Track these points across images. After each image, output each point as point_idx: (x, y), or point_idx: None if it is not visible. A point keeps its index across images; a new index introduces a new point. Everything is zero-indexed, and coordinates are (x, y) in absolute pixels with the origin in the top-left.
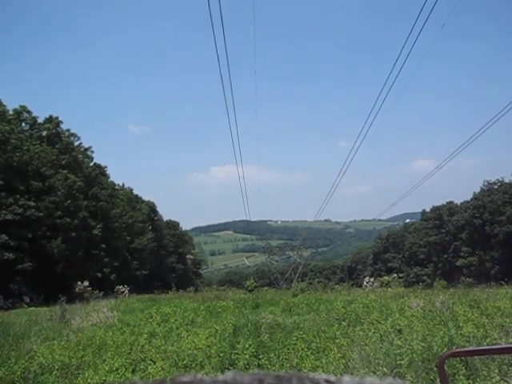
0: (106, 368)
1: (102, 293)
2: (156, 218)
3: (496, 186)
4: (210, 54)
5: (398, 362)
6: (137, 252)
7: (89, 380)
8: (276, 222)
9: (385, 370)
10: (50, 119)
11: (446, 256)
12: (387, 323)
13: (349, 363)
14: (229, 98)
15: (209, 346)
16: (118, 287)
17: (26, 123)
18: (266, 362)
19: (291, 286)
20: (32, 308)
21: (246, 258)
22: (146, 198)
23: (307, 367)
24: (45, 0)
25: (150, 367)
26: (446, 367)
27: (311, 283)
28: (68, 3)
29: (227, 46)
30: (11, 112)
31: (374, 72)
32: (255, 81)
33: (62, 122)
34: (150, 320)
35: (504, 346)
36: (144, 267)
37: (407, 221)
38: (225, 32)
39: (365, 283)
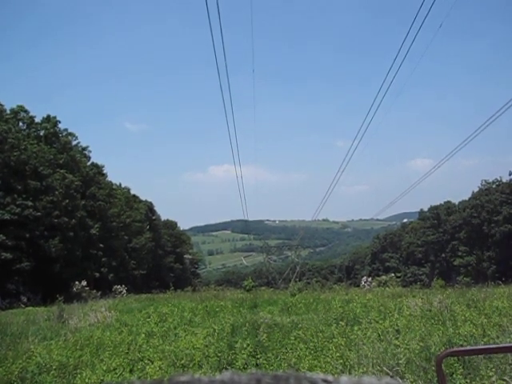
0: (104, 368)
1: (99, 292)
2: (154, 217)
3: (494, 186)
4: (208, 54)
5: (396, 362)
6: (134, 252)
7: (86, 380)
8: (274, 221)
9: (383, 369)
10: (47, 119)
11: (443, 255)
12: (385, 323)
13: (347, 363)
14: (227, 98)
15: (207, 346)
16: (115, 287)
17: (24, 123)
18: (264, 362)
19: (289, 286)
20: (29, 308)
21: (244, 257)
22: (143, 197)
23: (305, 367)
24: (43, 0)
25: (147, 367)
26: (443, 366)
27: (309, 283)
28: (66, 3)
29: (225, 46)
30: (8, 111)
31: (372, 71)
32: (253, 80)
33: (59, 122)
34: (148, 320)
35: (502, 345)
36: (142, 267)
37: (405, 220)
38: (223, 31)
39: (363, 283)
